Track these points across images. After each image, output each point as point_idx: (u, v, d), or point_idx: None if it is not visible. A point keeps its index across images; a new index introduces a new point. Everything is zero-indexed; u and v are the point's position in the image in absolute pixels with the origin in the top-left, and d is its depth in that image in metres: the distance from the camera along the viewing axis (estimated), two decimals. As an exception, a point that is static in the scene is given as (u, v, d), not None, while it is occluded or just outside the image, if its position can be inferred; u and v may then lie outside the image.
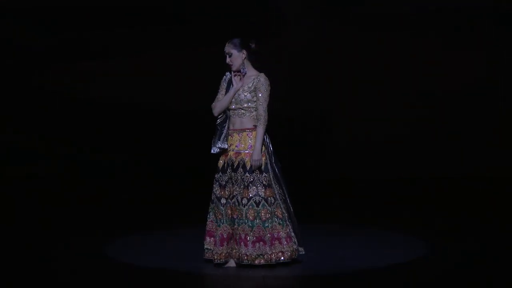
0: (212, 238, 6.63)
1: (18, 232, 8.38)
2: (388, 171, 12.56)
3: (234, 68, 6.63)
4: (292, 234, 6.56)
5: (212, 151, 6.61)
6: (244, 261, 6.48)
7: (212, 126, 6.58)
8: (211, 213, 6.64)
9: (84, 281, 6.30)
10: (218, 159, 6.64)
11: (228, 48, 6.60)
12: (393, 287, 6.07)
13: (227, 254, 6.59)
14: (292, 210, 6.62)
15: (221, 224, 6.59)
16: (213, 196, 6.62)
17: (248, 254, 6.47)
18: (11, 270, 6.66)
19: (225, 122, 6.64)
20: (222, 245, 6.58)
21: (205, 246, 6.66)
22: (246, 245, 6.47)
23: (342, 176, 12.48)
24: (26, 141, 13.00)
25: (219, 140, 6.61)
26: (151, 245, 7.66)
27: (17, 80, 12.60)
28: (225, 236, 6.58)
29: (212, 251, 6.63)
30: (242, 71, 6.63)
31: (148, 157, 12.88)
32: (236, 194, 6.51)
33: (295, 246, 6.56)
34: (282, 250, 6.49)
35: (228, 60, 6.63)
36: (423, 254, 7.05)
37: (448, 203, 10.48)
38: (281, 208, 6.54)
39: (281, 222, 6.51)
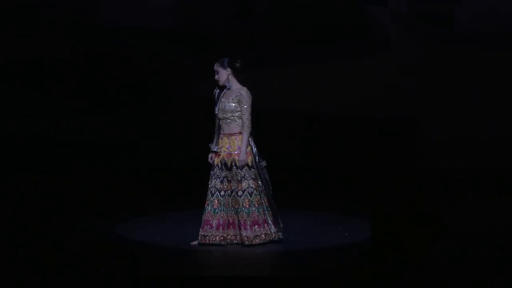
0: (208, 226, 7.72)
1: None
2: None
3: (220, 83, 7.77)
4: (268, 220, 7.73)
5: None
6: (246, 242, 7.65)
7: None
8: (209, 206, 7.71)
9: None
10: (210, 158, 7.79)
11: (216, 66, 7.74)
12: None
13: (221, 238, 7.71)
14: (272, 200, 7.74)
15: (218, 212, 7.69)
16: (213, 190, 7.70)
17: (248, 236, 7.64)
18: (28, 249, 7.57)
19: (219, 128, 7.80)
20: (218, 229, 7.69)
21: (202, 233, 7.74)
22: (245, 228, 7.64)
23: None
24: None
25: (213, 143, 7.83)
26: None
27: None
28: (221, 222, 7.70)
29: (208, 236, 7.71)
30: (227, 85, 7.75)
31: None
32: (234, 189, 7.67)
33: (269, 231, 7.72)
34: (258, 234, 7.68)
35: (216, 76, 7.77)
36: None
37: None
38: (262, 198, 7.70)
39: (260, 210, 7.69)
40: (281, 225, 7.83)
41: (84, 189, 11.43)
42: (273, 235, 7.78)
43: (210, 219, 7.73)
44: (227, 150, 7.72)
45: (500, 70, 12.93)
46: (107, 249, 7.63)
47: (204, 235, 7.74)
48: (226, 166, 7.69)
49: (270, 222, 7.75)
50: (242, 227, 7.67)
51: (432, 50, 13.09)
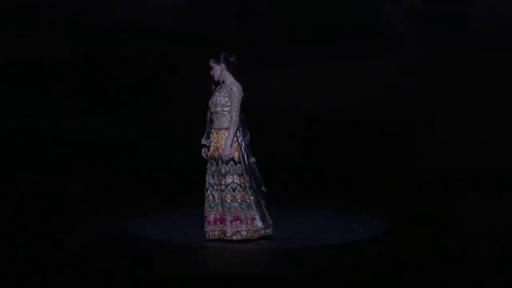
0: (207, 222, 7.83)
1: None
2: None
3: (215, 79, 7.83)
4: (256, 216, 7.73)
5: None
6: (226, 237, 7.72)
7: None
8: (206, 202, 7.81)
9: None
10: (203, 152, 7.86)
11: (211, 62, 7.82)
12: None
13: (220, 232, 7.77)
14: (259, 196, 7.76)
15: (214, 207, 7.77)
16: (207, 185, 7.81)
17: (228, 231, 7.71)
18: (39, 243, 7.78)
19: (211, 122, 7.85)
20: (215, 224, 7.78)
21: (204, 230, 7.86)
22: (225, 224, 7.72)
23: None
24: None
25: (203, 138, 7.87)
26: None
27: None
28: (217, 217, 7.78)
29: (208, 232, 7.81)
30: (221, 81, 7.80)
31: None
32: (219, 183, 7.72)
33: (258, 227, 7.73)
34: (239, 230, 7.72)
35: (211, 72, 7.83)
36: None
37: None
38: (248, 195, 7.72)
39: (242, 206, 7.71)
40: (270, 222, 7.83)
41: (84, 189, 11.43)
42: (261, 232, 7.79)
43: (207, 214, 7.82)
44: (215, 145, 7.79)
45: (500, 70, 13.04)
46: (107, 249, 7.64)
47: (205, 231, 7.84)
48: (216, 161, 7.76)
49: (257, 218, 7.77)
50: (224, 222, 7.73)
51: (432, 50, 13.19)
